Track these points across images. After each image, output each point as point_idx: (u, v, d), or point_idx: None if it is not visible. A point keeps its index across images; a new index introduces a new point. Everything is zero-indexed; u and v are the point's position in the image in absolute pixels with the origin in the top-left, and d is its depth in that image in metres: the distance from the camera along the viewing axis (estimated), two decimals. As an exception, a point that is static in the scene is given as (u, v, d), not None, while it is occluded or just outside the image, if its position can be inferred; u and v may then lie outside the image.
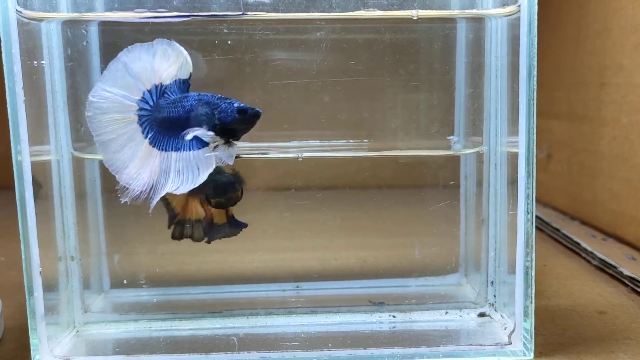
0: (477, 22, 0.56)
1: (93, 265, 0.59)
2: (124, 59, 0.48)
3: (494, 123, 0.55)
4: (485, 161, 0.57)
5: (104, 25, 0.56)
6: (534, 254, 0.50)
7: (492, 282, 0.58)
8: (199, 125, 0.48)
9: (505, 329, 0.54)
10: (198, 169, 0.48)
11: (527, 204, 0.50)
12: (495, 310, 0.57)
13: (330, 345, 0.51)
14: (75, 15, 0.53)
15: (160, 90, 0.48)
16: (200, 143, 0.48)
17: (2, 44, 0.46)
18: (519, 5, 0.49)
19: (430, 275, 0.62)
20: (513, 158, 0.52)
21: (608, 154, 0.84)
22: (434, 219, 0.61)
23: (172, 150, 0.48)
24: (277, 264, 0.63)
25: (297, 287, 0.62)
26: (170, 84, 0.48)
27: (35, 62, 0.50)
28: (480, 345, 0.51)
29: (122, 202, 0.49)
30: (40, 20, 0.50)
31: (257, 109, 0.48)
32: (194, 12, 0.52)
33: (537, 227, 0.51)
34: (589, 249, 0.76)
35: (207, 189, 0.52)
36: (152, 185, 0.48)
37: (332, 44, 0.56)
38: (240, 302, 0.60)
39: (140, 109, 0.48)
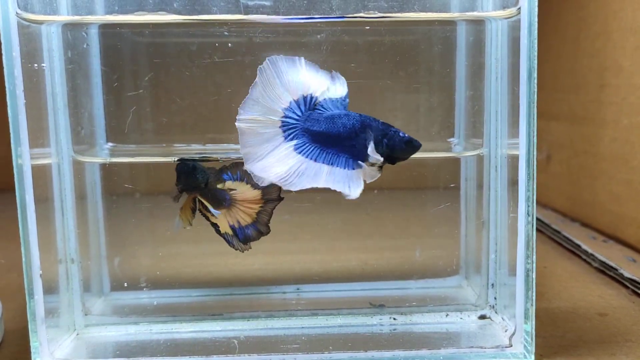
0: (478, 25, 0.56)
1: (93, 268, 0.59)
2: (271, 67, 0.48)
3: (494, 125, 0.55)
4: (485, 163, 0.57)
5: (104, 28, 0.56)
6: (534, 257, 0.50)
7: (492, 285, 0.58)
8: (362, 146, 0.48)
9: (506, 331, 0.54)
10: (349, 187, 0.48)
11: (528, 206, 0.50)
12: (496, 312, 0.57)
13: (330, 347, 0.51)
14: (76, 18, 0.53)
15: (310, 102, 0.49)
16: (356, 164, 0.49)
17: (3, 46, 0.46)
18: (519, 8, 0.49)
19: (431, 278, 0.62)
20: (513, 160, 0.52)
21: (608, 155, 0.84)
22: (435, 221, 0.61)
23: (322, 162, 0.48)
24: (277, 266, 0.63)
25: (298, 289, 0.62)
26: (324, 99, 0.49)
27: (36, 65, 0.50)
28: (481, 347, 0.51)
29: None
30: (41, 23, 0.50)
31: (419, 142, 0.49)
32: (194, 14, 0.52)
33: (537, 229, 0.50)
34: (590, 251, 0.76)
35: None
36: (288, 181, 0.48)
37: (332, 46, 0.56)
38: (241, 304, 0.60)
39: (286, 117, 0.49)
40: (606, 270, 0.71)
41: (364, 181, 0.49)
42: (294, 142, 0.48)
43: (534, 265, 0.50)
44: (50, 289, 0.51)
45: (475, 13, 0.56)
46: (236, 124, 0.48)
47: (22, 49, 0.47)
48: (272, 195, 0.54)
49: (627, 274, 0.67)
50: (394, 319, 0.57)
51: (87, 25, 0.55)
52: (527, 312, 0.50)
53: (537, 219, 0.76)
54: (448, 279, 0.62)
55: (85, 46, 0.56)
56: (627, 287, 0.66)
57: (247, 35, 0.56)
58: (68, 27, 0.53)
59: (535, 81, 0.48)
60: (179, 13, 0.52)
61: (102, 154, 0.58)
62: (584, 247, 0.78)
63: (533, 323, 0.50)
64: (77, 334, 0.55)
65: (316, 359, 0.50)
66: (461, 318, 0.57)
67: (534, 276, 0.50)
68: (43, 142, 0.51)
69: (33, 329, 0.49)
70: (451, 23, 0.58)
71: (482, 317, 0.57)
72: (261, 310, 0.58)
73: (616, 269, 0.69)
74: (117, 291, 0.61)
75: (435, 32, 0.58)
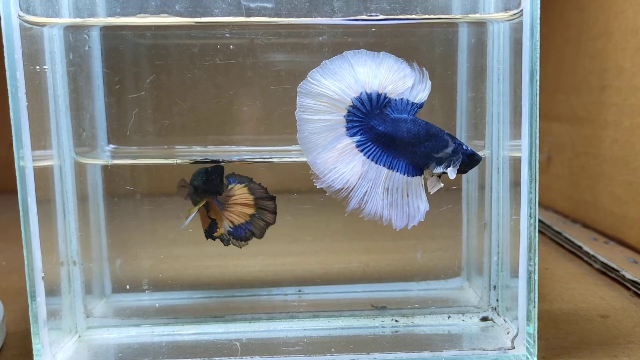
0: (479, 26, 0.56)
1: (95, 270, 0.59)
2: (349, 57, 0.48)
3: (496, 127, 0.55)
4: (487, 165, 0.57)
5: (106, 30, 0.56)
6: (536, 258, 0.50)
7: (494, 286, 0.58)
8: (424, 154, 0.48)
9: (508, 333, 0.53)
10: (407, 196, 0.48)
11: (530, 208, 0.50)
12: (498, 314, 0.57)
13: (332, 349, 0.51)
14: (78, 20, 0.53)
15: (381, 100, 0.48)
16: (416, 171, 0.48)
17: (5, 49, 0.46)
18: (521, 10, 0.48)
19: (433, 280, 0.62)
20: (515, 162, 0.52)
21: (609, 156, 0.84)
22: (436, 223, 0.61)
23: (383, 165, 0.48)
24: (279, 268, 0.63)
25: (300, 291, 0.62)
26: (396, 99, 0.48)
27: (38, 67, 0.50)
28: (483, 349, 0.51)
29: (318, 187, 0.48)
30: (43, 25, 0.50)
31: (480, 156, 0.49)
32: (196, 16, 0.52)
33: (538, 231, 0.50)
34: (591, 252, 0.76)
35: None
36: (352, 187, 0.48)
37: (334, 48, 0.56)
38: (243, 306, 0.60)
39: (353, 106, 0.47)
40: (608, 272, 0.71)
41: (428, 192, 0.49)
42: (357, 137, 0.48)
43: (536, 267, 0.50)
44: (52, 291, 0.51)
45: (477, 15, 0.56)
46: (299, 88, 0.47)
47: (24, 51, 0.47)
48: (268, 207, 0.54)
49: (628, 276, 0.67)
50: (396, 320, 0.57)
51: (89, 28, 0.55)
52: (530, 314, 0.50)
53: (539, 221, 0.76)
54: (450, 280, 0.62)
55: (87, 48, 0.56)
56: (628, 289, 0.66)
57: (248, 37, 0.56)
58: (70, 29, 0.53)
59: (538, 83, 0.48)
60: (181, 15, 0.52)
61: (104, 155, 0.58)
62: (586, 248, 0.78)
63: (535, 325, 0.50)
64: (79, 336, 0.55)
65: (318, 361, 0.50)
66: (463, 320, 0.57)
67: (536, 278, 0.50)
68: (45, 144, 0.51)
69: (35, 332, 0.49)
70: (453, 25, 0.58)
71: (484, 319, 0.57)
72: (263, 312, 0.58)
73: (618, 271, 0.69)
74: (118, 293, 0.61)
75: (437, 34, 0.58)
